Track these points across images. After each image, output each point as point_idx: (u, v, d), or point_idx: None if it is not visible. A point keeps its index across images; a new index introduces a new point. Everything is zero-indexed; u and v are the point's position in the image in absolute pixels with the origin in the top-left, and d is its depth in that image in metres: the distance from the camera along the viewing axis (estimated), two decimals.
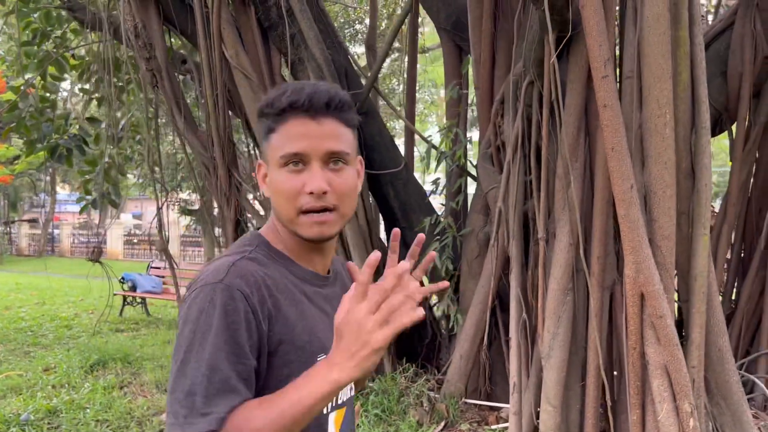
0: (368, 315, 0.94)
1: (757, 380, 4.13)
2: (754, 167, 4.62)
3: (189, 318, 1.00)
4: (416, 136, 5.81)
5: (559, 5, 3.20)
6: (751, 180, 4.65)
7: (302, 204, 1.09)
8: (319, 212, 1.09)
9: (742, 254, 4.83)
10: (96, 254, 6.41)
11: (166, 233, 6.58)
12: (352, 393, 1.29)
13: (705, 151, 3.38)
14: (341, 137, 1.11)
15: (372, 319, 0.94)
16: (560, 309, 3.52)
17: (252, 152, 5.61)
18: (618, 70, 3.40)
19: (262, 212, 5.05)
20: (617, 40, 3.51)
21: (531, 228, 4.12)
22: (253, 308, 1.02)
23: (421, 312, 0.97)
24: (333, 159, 1.10)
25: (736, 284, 4.80)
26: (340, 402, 1.21)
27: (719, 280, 4.32)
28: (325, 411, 1.16)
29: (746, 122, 4.43)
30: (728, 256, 4.78)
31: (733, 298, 4.85)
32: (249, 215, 4.95)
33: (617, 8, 3.40)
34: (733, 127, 4.62)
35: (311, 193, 1.08)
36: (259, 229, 1.23)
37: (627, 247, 3.12)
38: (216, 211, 5.60)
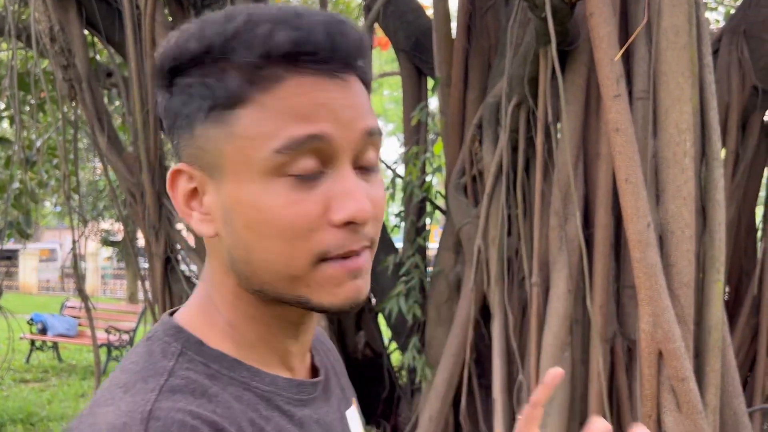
0: None
1: None
2: (742, 205, 4.31)
3: None
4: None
5: (562, 13, 2.76)
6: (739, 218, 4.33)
7: (327, 245, 0.57)
8: (355, 255, 0.59)
9: (729, 299, 4.49)
10: None
11: (83, 268, 5.77)
12: None
13: (718, 185, 2.97)
14: (372, 110, 0.62)
15: None
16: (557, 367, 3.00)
17: None
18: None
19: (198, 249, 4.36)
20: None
21: (513, 268, 3.62)
22: None
23: None
24: (371, 148, 0.60)
25: None
26: None
27: None
28: None
29: (734, 155, 4.12)
30: None
31: None
32: (182, 251, 4.25)
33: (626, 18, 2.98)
34: None
35: (349, 223, 0.57)
36: (173, 312, 0.66)
37: (643, 296, 2.65)
38: (142, 243, 4.87)
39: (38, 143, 6.28)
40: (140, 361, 0.58)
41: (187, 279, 4.27)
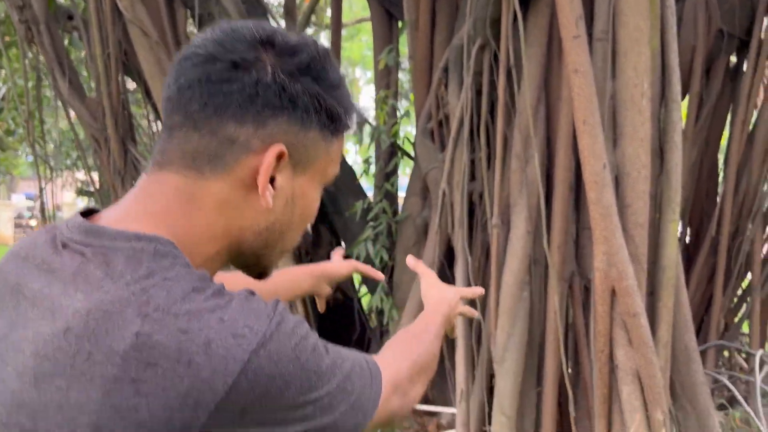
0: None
1: (715, 375, 3.89)
2: (704, 148, 4.37)
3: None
4: None
5: None
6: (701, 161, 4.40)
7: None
8: None
9: (687, 240, 4.60)
10: None
11: (60, 219, 5.71)
12: None
13: (676, 127, 3.01)
14: None
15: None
16: (516, 306, 3.08)
17: (154, 124, 4.81)
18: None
19: None
20: None
21: (477, 211, 3.67)
22: None
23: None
24: None
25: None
26: None
27: None
28: None
29: (698, 99, 4.15)
30: None
31: None
32: None
33: None
34: (684, 105, 4.34)
35: None
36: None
37: (598, 236, 2.71)
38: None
39: (2, 90, 6.13)
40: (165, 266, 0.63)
41: None
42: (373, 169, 4.42)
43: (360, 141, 4.15)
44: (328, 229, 4.67)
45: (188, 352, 0.57)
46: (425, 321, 1.03)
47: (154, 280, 0.60)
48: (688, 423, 3.13)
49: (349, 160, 4.86)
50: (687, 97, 4.22)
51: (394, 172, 4.30)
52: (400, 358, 0.86)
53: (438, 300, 1.10)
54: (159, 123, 4.58)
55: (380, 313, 4.38)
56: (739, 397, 3.54)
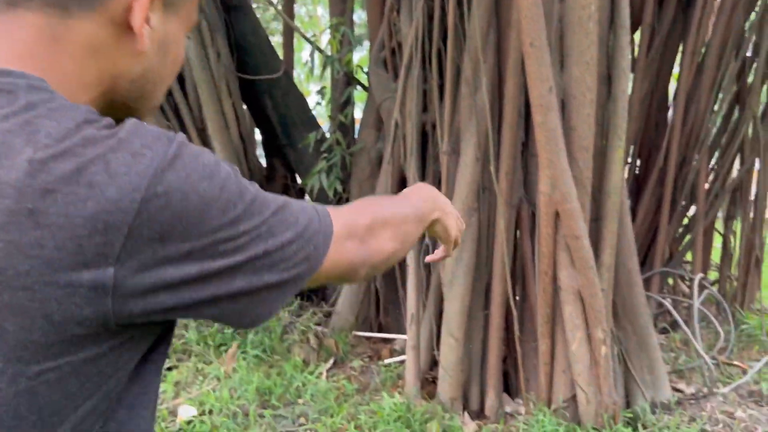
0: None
1: (659, 298, 4.04)
2: (656, 79, 4.41)
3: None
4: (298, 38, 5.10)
5: None
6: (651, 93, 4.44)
7: None
8: None
9: (637, 171, 4.69)
10: None
11: None
12: None
13: (624, 53, 3.02)
14: None
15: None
16: (464, 231, 3.12)
17: None
18: None
19: None
20: None
21: (429, 142, 3.67)
22: None
23: None
24: None
25: (631, 202, 4.66)
26: None
27: None
28: None
29: (650, 29, 4.16)
30: (625, 173, 4.62)
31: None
32: None
33: None
34: (635, 36, 4.35)
35: None
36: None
37: (543, 159, 2.75)
38: None
39: None
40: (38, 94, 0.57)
41: None
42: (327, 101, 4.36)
43: (312, 71, 4.06)
44: (282, 162, 4.62)
45: (88, 172, 0.51)
46: (406, 195, 0.98)
47: (37, 111, 0.54)
48: (629, 342, 3.26)
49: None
50: (639, 29, 4.23)
51: (348, 102, 4.25)
52: (359, 209, 0.82)
53: (433, 195, 1.02)
54: None
55: None
56: (679, 320, 3.69)
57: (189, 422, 2.85)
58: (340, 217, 0.74)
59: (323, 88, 4.22)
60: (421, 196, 0.98)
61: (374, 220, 0.81)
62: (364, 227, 0.78)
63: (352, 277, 0.78)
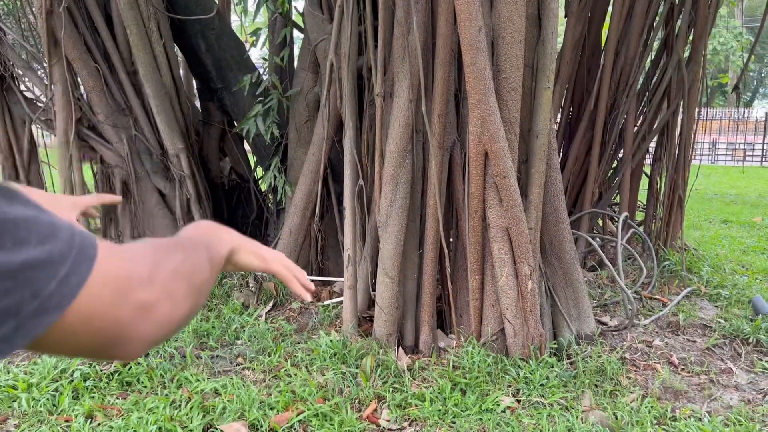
0: None
1: (588, 237, 4.21)
2: (588, 25, 4.49)
3: None
4: None
5: None
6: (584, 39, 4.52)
7: None
8: None
9: (570, 115, 4.81)
10: None
11: None
12: None
13: None
14: None
15: None
16: (398, 173, 3.17)
17: None
18: None
19: (36, 67, 4.04)
20: None
21: (366, 86, 3.67)
22: None
23: None
24: None
25: (563, 145, 4.80)
26: None
27: None
28: None
29: None
30: (558, 117, 4.74)
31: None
32: (18, 69, 3.93)
33: None
34: None
35: None
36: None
37: (472, 100, 2.80)
38: None
39: None
40: None
41: (28, 101, 3.99)
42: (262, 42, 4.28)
43: (245, 10, 3.97)
44: (217, 106, 4.54)
45: None
46: (187, 235, 0.73)
47: None
48: (556, 277, 3.41)
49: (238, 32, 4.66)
50: None
51: (285, 45, 4.18)
52: (137, 251, 0.56)
53: (217, 230, 0.78)
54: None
55: (275, 191, 4.40)
56: (604, 257, 3.87)
57: (125, 364, 2.87)
58: (113, 251, 0.51)
59: (258, 29, 4.13)
60: (203, 232, 0.75)
61: (164, 266, 0.56)
62: (150, 275, 0.53)
63: (118, 350, 0.52)
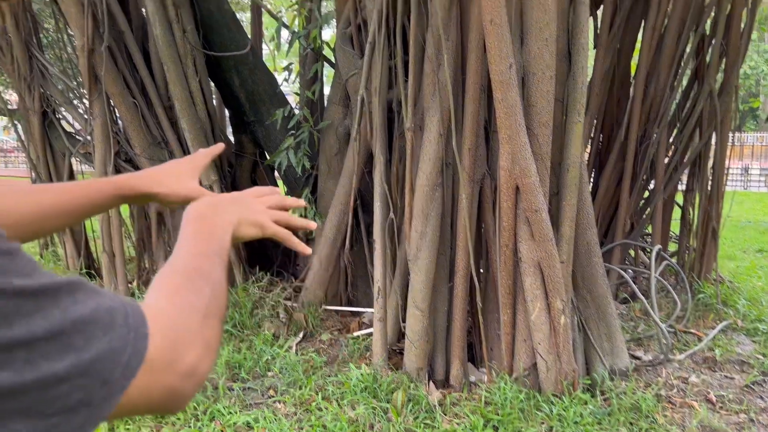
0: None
1: (620, 270, 4.16)
2: (618, 55, 4.49)
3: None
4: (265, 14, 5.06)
5: None
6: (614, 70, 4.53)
7: None
8: None
9: (600, 146, 4.80)
10: None
11: None
12: None
13: (583, 29, 3.08)
14: None
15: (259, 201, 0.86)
16: (429, 206, 3.19)
17: (61, 26, 4.55)
18: None
19: (76, 103, 4.17)
20: None
21: (396, 119, 3.72)
22: None
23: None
24: None
25: (593, 176, 4.78)
26: None
27: None
28: None
29: (613, 6, 4.23)
30: (588, 148, 4.73)
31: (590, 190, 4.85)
32: (61, 106, 4.07)
33: None
34: (599, 12, 4.42)
35: None
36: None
37: (503, 135, 2.81)
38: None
39: None
40: None
41: (69, 135, 4.12)
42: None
43: (278, 47, 4.06)
44: (250, 139, 4.63)
45: None
46: (209, 246, 0.71)
47: None
48: (588, 311, 3.37)
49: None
50: (602, 5, 4.30)
51: (316, 79, 4.26)
52: (188, 307, 0.58)
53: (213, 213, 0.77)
54: (67, 27, 4.33)
55: None
56: (636, 290, 3.82)
57: None
58: (159, 320, 0.53)
59: (290, 64, 4.23)
60: (208, 227, 0.74)
61: (196, 315, 0.58)
62: (191, 334, 0.56)
63: (168, 410, 0.55)
